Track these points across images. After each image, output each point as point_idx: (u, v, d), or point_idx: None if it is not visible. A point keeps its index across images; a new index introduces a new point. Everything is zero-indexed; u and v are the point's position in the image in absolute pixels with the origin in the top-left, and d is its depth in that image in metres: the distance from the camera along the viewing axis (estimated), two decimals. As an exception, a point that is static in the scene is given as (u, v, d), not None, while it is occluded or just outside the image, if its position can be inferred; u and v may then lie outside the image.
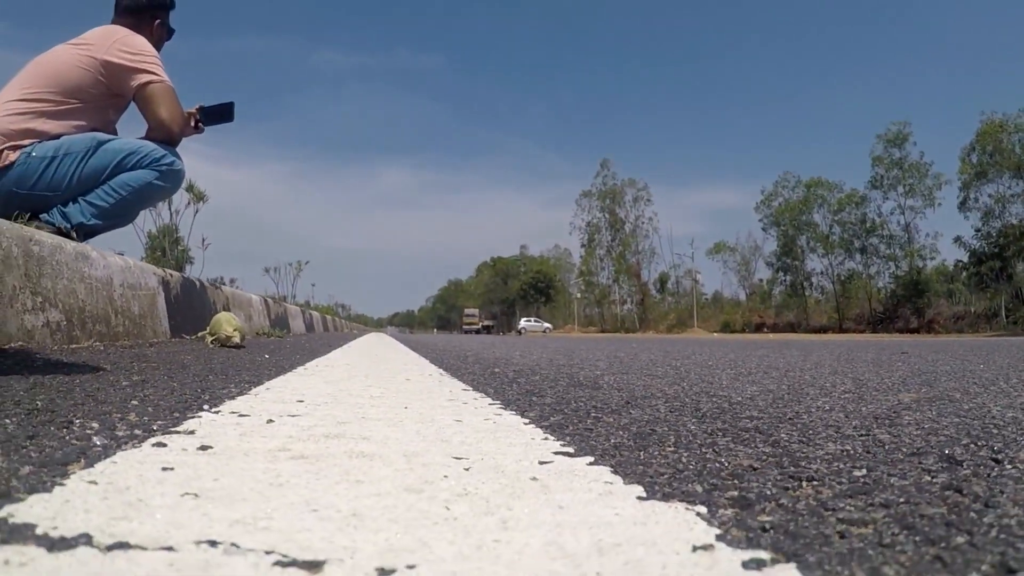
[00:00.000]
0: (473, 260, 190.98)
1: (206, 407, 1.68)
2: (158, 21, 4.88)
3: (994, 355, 6.02)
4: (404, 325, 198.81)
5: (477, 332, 78.97)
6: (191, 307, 5.55)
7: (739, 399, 2.25)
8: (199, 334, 5.04)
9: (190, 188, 18.07)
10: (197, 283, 5.86)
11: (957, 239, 55.37)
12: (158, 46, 4.85)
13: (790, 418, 1.77)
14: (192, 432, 1.30)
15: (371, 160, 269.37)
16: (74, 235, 4.36)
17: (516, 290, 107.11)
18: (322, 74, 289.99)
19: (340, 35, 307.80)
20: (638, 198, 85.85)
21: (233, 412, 1.60)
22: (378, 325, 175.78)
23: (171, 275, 5.24)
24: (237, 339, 4.65)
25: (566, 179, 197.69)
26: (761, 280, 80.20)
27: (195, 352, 3.90)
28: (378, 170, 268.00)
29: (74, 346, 3.55)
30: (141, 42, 4.49)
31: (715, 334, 55.86)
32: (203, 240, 19.03)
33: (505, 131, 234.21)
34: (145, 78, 4.37)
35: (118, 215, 4.44)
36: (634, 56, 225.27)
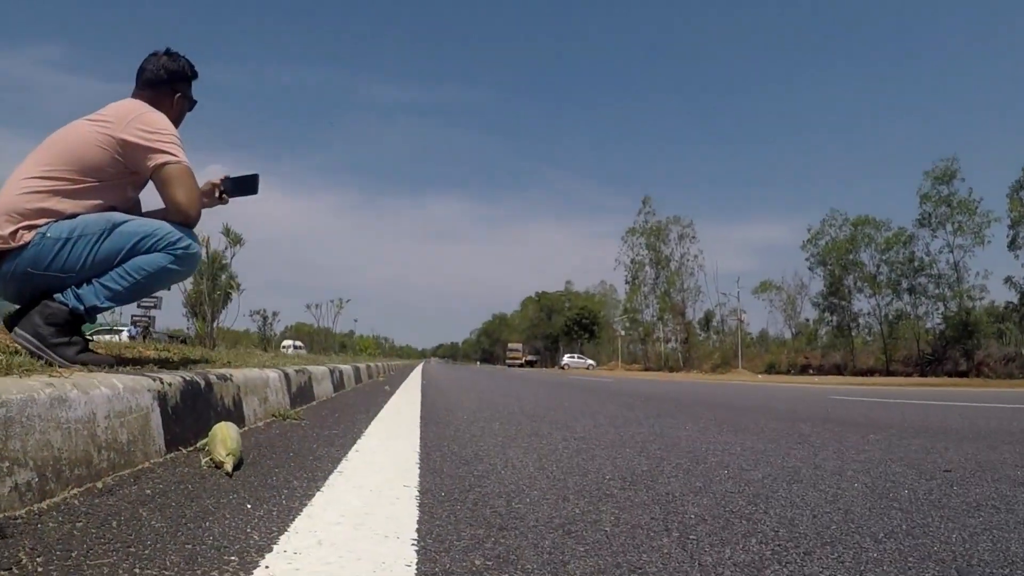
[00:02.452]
0: (518, 294, 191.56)
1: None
2: (179, 95, 4.86)
3: None
4: (448, 357, 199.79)
5: (520, 366, 78.99)
6: (194, 411, 5.35)
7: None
8: (197, 445, 4.86)
9: (227, 232, 18.12)
10: (202, 382, 5.67)
11: (1008, 280, 54.62)
12: (178, 120, 4.83)
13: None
14: None
15: (419, 192, 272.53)
16: (84, 318, 4.30)
17: (560, 326, 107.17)
18: (371, 106, 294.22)
19: (389, 68, 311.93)
20: (683, 235, 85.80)
21: None
22: (421, 356, 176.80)
23: (168, 384, 5.04)
24: (229, 466, 4.45)
25: (613, 213, 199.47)
26: (807, 320, 79.71)
27: (174, 493, 3.69)
28: (425, 202, 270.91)
29: (46, 502, 3.35)
30: (159, 120, 4.43)
31: (760, 376, 55.34)
32: (238, 286, 19.14)
33: (552, 164, 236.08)
34: (162, 159, 4.32)
35: (132, 298, 4.45)
36: (679, 89, 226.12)
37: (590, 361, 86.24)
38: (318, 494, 3.97)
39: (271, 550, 2.40)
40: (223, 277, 21.09)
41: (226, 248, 18.25)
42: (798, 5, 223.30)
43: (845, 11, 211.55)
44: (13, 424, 3.29)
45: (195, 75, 5.01)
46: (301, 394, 9.75)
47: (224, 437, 4.64)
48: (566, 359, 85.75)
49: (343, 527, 2.64)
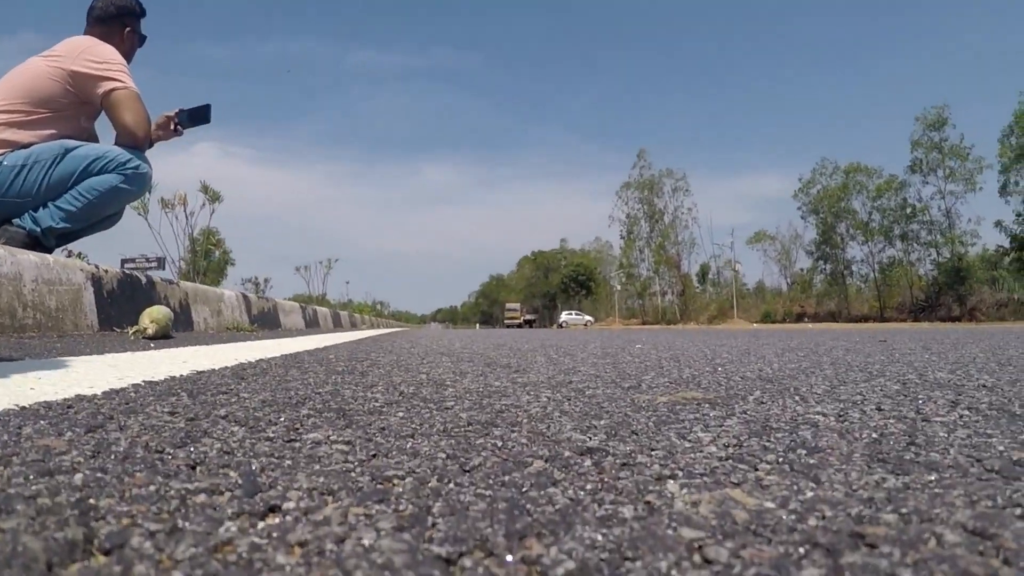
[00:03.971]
0: (514, 255, 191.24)
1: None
2: (128, 29, 5.10)
3: (986, 342, 5.75)
4: (447, 320, 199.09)
5: (519, 326, 78.95)
6: (132, 301, 5.72)
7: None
8: (127, 328, 5.22)
9: (205, 189, 18.34)
10: (144, 279, 6.04)
11: (998, 223, 54.54)
12: (129, 54, 5.07)
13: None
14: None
15: (412, 158, 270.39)
16: (43, 240, 4.61)
17: (557, 284, 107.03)
18: (361, 74, 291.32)
19: (377, 35, 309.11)
20: (676, 188, 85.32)
21: None
22: (421, 321, 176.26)
23: (104, 271, 5.42)
24: (151, 331, 4.81)
25: (607, 170, 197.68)
26: (802, 269, 79.66)
27: (90, 343, 4.05)
28: (419, 168, 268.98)
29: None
30: (107, 50, 4.71)
31: (755, 324, 55.53)
32: (227, 255, 19.38)
33: (544, 124, 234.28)
34: (110, 85, 4.60)
35: (86, 218, 4.67)
36: (671, 44, 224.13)
37: (588, 317, 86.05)
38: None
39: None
40: (217, 253, 21.29)
41: (203, 205, 18.43)
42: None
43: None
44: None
45: (143, 12, 5.25)
46: (264, 318, 10.11)
47: (151, 311, 5.02)
48: (564, 316, 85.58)
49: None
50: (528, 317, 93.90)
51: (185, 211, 18.12)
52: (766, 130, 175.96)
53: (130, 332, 4.93)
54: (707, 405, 1.63)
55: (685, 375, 2.48)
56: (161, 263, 27.61)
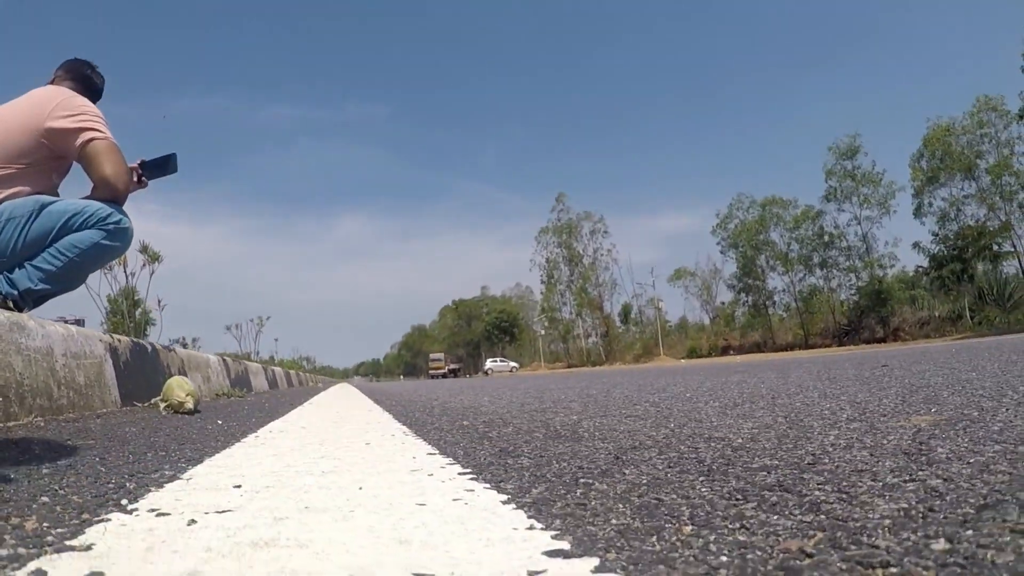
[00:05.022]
0: (435, 304, 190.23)
1: (125, 500, 1.42)
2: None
3: (976, 359, 5.95)
4: (371, 374, 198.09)
5: (444, 376, 78.69)
6: (143, 372, 5.28)
7: (740, 441, 2.03)
8: (152, 401, 4.78)
9: (144, 250, 17.80)
10: (149, 347, 5.58)
11: (916, 245, 55.90)
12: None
13: (810, 463, 1.55)
14: (89, 548, 1.02)
15: (327, 211, 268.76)
16: (20, 303, 4.15)
17: (480, 331, 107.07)
18: (272, 130, 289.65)
19: (286, 90, 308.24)
20: (595, 230, 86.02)
21: (152, 509, 1.34)
22: (344, 375, 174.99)
23: (119, 340, 4.97)
24: (190, 405, 4.39)
25: (523, 217, 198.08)
26: (723, 303, 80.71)
27: (143, 422, 3.64)
28: (334, 222, 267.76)
29: (12, 423, 3.27)
30: (84, 102, 4.36)
31: (682, 360, 55.94)
32: (159, 302, 18.81)
33: (458, 174, 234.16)
34: (88, 135, 4.22)
35: (66, 278, 4.26)
36: (580, 88, 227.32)
37: (513, 364, 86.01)
38: (275, 420, 3.96)
39: (230, 447, 2.42)
40: (139, 310, 20.76)
41: (144, 266, 17.94)
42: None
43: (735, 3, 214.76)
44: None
45: (100, 93, 4.96)
46: (240, 381, 9.69)
47: (180, 383, 4.58)
48: (489, 363, 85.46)
49: (308, 413, 2.64)
50: (453, 366, 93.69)
51: (125, 272, 17.52)
52: (679, 168, 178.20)
53: (160, 407, 4.47)
54: None
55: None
56: (81, 323, 26.85)
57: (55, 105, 4.25)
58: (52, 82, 4.65)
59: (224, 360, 9.11)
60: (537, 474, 1.66)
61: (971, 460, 1.43)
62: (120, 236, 4.31)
